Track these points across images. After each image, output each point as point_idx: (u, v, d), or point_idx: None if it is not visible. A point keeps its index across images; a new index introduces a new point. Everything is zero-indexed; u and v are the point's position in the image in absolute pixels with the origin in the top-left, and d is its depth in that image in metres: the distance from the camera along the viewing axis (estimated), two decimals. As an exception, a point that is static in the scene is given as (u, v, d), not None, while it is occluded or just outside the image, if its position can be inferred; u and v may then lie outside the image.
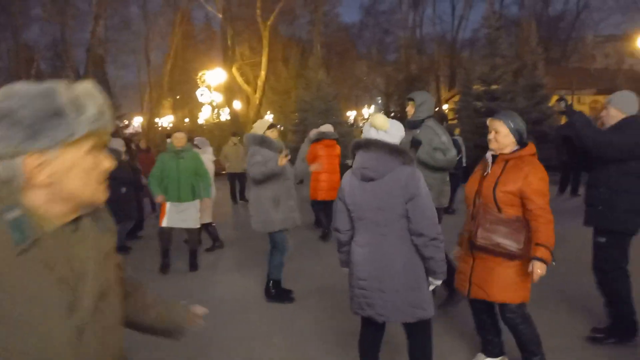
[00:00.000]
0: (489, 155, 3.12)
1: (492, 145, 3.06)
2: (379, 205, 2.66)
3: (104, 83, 20.96)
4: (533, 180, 2.88)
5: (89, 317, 1.13)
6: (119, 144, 7.34)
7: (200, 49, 31.73)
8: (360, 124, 32.31)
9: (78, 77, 27.84)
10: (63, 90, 1.10)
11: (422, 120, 4.35)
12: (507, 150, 3.03)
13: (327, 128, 7.84)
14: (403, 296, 2.69)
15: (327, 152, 7.49)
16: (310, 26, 30.99)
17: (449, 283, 4.17)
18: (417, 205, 2.61)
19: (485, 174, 3.09)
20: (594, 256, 3.66)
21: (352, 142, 2.84)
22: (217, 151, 19.78)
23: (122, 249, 7.13)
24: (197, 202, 6.11)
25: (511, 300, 2.98)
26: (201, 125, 26.76)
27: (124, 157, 7.20)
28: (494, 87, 16.72)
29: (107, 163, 1.19)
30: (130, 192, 7.01)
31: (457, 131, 10.91)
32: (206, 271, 6.22)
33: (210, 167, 7.08)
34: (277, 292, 4.91)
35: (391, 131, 2.73)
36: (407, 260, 2.69)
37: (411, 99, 4.50)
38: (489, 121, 3.13)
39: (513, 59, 18.61)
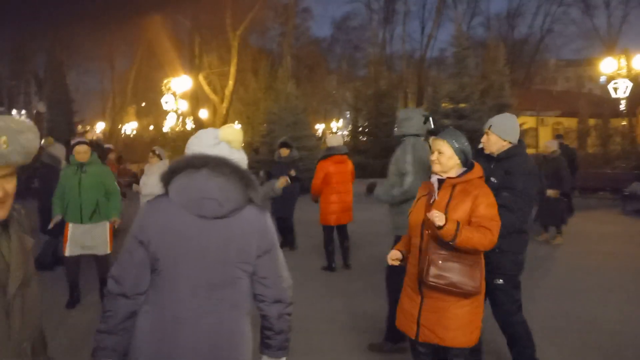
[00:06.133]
0: (434, 179, 2.78)
1: (435, 167, 2.74)
2: (220, 257, 1.82)
3: (63, 87, 20.21)
4: (481, 206, 2.62)
5: (14, 299, 1.40)
6: (59, 151, 6.82)
7: (168, 57, 31.21)
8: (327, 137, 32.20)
9: (37, 81, 27.02)
10: None
11: (403, 137, 4.14)
12: (452, 173, 2.73)
13: (337, 141, 6.83)
14: None
15: (337, 169, 6.54)
16: (280, 38, 30.89)
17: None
18: (273, 260, 1.93)
19: (431, 200, 2.74)
20: (496, 299, 3.43)
21: (181, 158, 1.96)
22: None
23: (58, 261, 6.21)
24: (105, 223, 5.20)
25: (466, 344, 2.67)
26: (165, 134, 26.17)
27: (63, 164, 6.50)
28: (462, 105, 16.85)
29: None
30: None
31: None
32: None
33: None
34: None
35: (241, 153, 1.97)
36: (248, 343, 1.91)
37: None
38: (431, 141, 2.82)
39: (480, 78, 18.87)
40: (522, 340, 3.43)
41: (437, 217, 2.45)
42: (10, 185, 1.41)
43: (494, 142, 3.37)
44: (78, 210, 5.07)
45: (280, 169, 7.73)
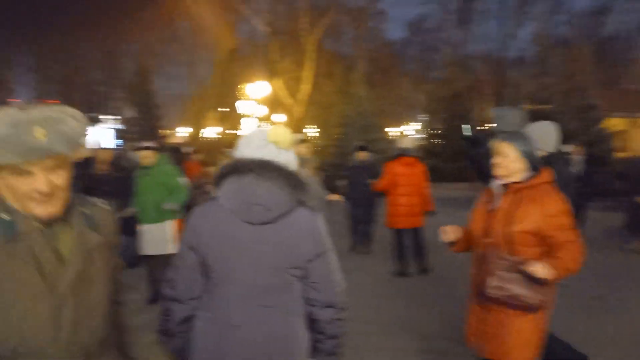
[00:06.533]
0: (496, 184, 2.57)
1: (499, 171, 2.54)
2: (271, 262, 1.80)
3: (148, 93, 21.47)
4: (553, 214, 2.41)
5: (66, 298, 1.34)
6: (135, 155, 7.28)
7: (245, 62, 32.24)
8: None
9: (126, 86, 28.82)
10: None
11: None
12: (516, 178, 2.51)
13: (407, 143, 6.84)
14: None
15: (405, 171, 6.46)
16: (354, 41, 30.99)
17: None
18: (325, 264, 1.88)
19: (492, 207, 2.56)
20: None
21: (226, 163, 1.93)
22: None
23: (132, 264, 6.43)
24: (169, 223, 5.36)
25: None
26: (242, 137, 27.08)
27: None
28: (544, 106, 16.12)
29: (39, 189, 1.29)
30: None
31: None
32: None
33: None
34: None
35: (291, 153, 1.91)
36: (303, 346, 1.88)
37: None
38: (495, 143, 2.64)
39: (563, 79, 17.96)
40: (557, 349, 3.26)
41: (544, 272, 2.27)
42: (60, 178, 1.33)
43: None
44: (143, 211, 5.40)
45: (358, 173, 7.75)
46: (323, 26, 26.98)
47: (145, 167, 5.42)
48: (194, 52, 31.37)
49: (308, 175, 4.35)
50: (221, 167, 1.91)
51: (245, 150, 1.89)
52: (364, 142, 8.47)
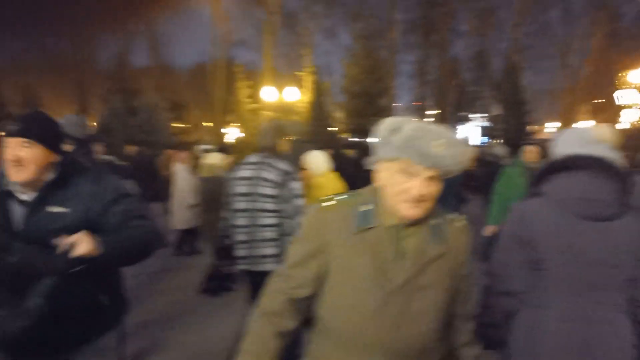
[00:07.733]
0: None
1: None
2: (603, 258, 1.76)
3: (517, 89, 21.58)
4: None
5: (394, 296, 1.41)
6: (501, 150, 7.41)
7: (628, 47, 28.57)
8: None
9: (495, 84, 29.45)
10: (401, 125, 1.43)
11: None
12: None
13: None
14: None
15: None
16: None
17: None
18: None
19: None
20: None
21: (560, 158, 1.88)
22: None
23: None
24: None
25: None
26: (619, 131, 24.22)
27: (505, 162, 6.63)
28: None
29: (416, 191, 1.39)
30: None
31: None
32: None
33: None
34: None
35: (615, 152, 1.90)
36: (632, 346, 1.80)
37: None
38: None
39: None
40: None
41: None
42: (431, 189, 1.41)
43: None
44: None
45: None
46: None
47: (530, 166, 5.05)
48: (565, 43, 29.58)
49: None
50: (548, 163, 1.95)
51: (567, 148, 1.93)
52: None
